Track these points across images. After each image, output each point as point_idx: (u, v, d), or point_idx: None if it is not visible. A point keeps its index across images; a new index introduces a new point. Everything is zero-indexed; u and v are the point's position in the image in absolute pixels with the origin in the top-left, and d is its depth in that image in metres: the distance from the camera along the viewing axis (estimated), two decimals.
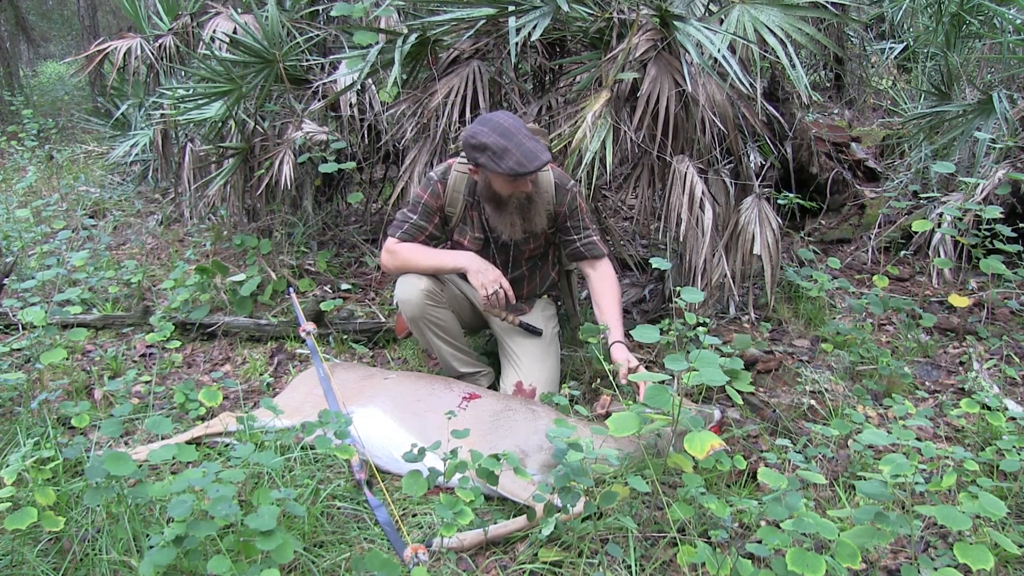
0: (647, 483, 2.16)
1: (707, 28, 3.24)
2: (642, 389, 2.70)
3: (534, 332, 3.17)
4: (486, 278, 2.97)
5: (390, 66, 3.59)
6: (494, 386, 3.22)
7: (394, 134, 4.11)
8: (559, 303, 3.52)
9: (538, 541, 2.27)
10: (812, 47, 3.53)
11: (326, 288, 4.40)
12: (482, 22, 3.61)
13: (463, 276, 3.16)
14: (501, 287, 2.97)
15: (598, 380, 3.12)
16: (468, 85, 3.63)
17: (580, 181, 3.23)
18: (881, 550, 2.28)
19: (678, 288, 2.34)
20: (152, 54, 5.66)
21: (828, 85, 7.21)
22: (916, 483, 2.10)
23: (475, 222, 3.10)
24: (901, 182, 4.88)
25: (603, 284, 3.12)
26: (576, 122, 3.33)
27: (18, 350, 3.59)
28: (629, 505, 2.40)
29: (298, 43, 4.30)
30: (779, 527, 1.90)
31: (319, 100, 4.30)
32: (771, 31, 3.25)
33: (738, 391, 2.32)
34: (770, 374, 3.29)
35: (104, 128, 7.00)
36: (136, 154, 6.24)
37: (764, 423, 2.94)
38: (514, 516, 2.43)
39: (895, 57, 6.73)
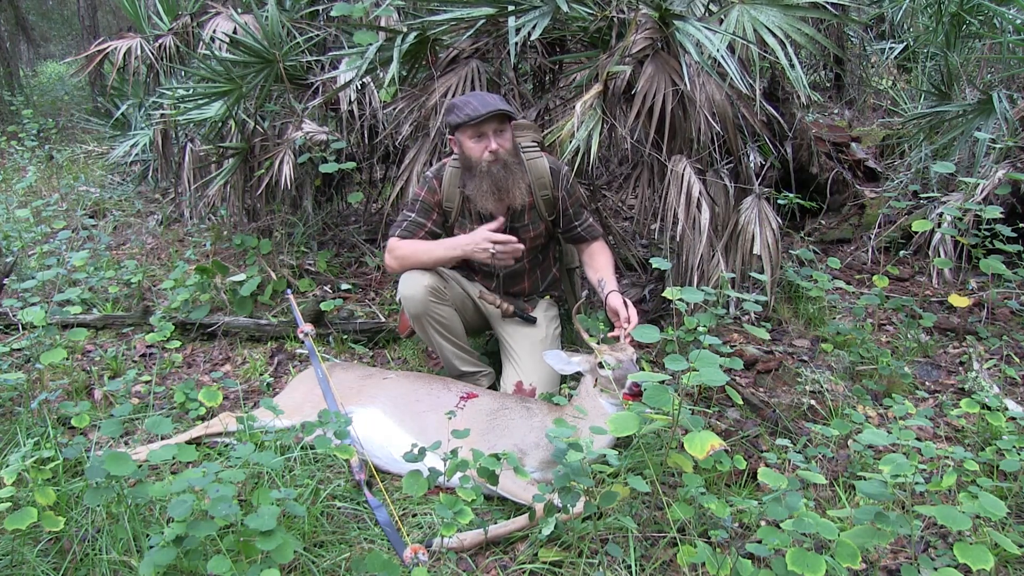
0: (647, 483, 2.16)
1: (707, 28, 3.24)
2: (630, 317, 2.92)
3: (528, 320, 3.22)
4: (480, 239, 2.97)
5: (389, 64, 3.59)
6: (494, 386, 3.22)
7: (389, 132, 4.11)
8: (562, 304, 3.53)
9: (538, 541, 2.27)
10: (812, 47, 3.53)
11: (326, 288, 4.40)
12: (482, 22, 3.61)
13: (467, 267, 3.24)
14: (494, 241, 2.96)
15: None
16: (466, 84, 3.63)
17: (573, 174, 3.23)
18: (881, 550, 2.28)
19: (677, 289, 2.34)
20: (152, 54, 5.66)
21: (828, 85, 7.21)
22: (916, 483, 2.10)
23: (472, 214, 3.12)
24: (901, 182, 4.87)
25: (598, 250, 3.27)
26: (570, 116, 3.34)
27: (18, 350, 3.59)
28: (629, 505, 2.40)
29: (298, 43, 4.30)
30: (779, 527, 1.90)
31: (319, 98, 4.29)
32: (771, 31, 3.25)
33: (739, 392, 2.32)
34: (770, 374, 3.29)
35: (104, 128, 7.00)
36: (136, 154, 6.24)
37: (764, 423, 2.94)
38: (514, 516, 2.43)
39: (895, 57, 6.73)
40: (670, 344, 2.96)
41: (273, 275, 4.30)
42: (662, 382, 2.08)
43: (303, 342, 3.34)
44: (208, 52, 4.58)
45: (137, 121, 6.42)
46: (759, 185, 3.67)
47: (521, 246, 2.99)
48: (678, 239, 3.37)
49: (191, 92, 4.45)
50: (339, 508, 2.50)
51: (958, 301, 3.15)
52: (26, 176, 6.65)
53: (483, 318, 3.36)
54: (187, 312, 4.03)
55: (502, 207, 3.06)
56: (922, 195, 4.42)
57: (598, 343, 2.77)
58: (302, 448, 2.67)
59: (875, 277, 3.38)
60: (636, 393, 2.48)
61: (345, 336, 3.78)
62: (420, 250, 3.09)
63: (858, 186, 4.93)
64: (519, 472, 2.23)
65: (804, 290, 3.79)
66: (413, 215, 3.15)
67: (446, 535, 2.17)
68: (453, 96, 3.57)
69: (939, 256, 3.87)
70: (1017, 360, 3.37)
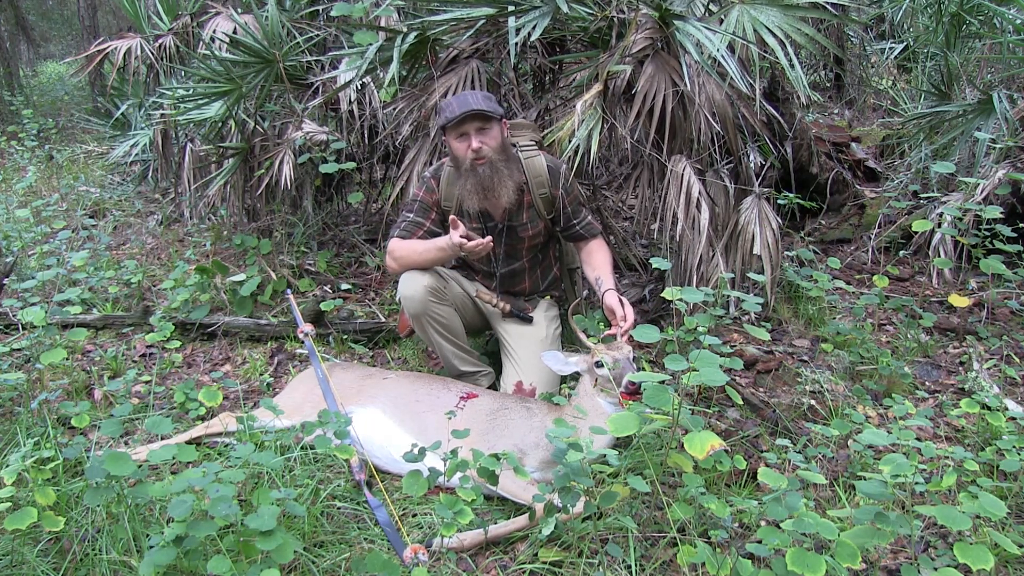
0: (647, 483, 2.16)
1: (707, 28, 3.24)
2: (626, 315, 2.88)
3: (525, 320, 3.23)
4: (450, 238, 2.89)
5: (389, 64, 3.59)
6: (494, 386, 3.23)
7: (389, 132, 4.11)
8: (562, 304, 3.53)
9: (538, 541, 2.27)
10: (812, 47, 3.53)
11: (326, 288, 4.40)
12: (482, 22, 3.61)
13: (467, 267, 3.28)
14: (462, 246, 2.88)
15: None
16: (466, 84, 3.63)
17: (572, 173, 3.22)
18: (881, 550, 2.28)
19: (677, 289, 2.34)
20: (152, 54, 5.66)
21: (828, 85, 7.21)
22: (916, 483, 2.10)
23: (470, 213, 3.12)
24: (901, 182, 4.88)
25: (596, 248, 3.25)
26: (570, 115, 3.34)
27: (18, 350, 3.59)
28: (629, 505, 2.40)
29: (298, 43, 4.30)
30: (779, 527, 1.90)
31: (319, 98, 4.30)
32: (771, 31, 3.25)
33: (739, 392, 2.32)
34: (770, 374, 3.29)
35: (104, 128, 7.00)
36: (136, 154, 6.24)
37: (764, 423, 2.94)
38: (514, 516, 2.43)
39: (895, 57, 6.73)
40: (670, 344, 2.97)
41: (273, 275, 4.30)
42: (662, 382, 2.08)
43: (303, 342, 3.34)
44: (208, 52, 4.58)
45: (137, 121, 6.42)
46: (759, 185, 3.67)
47: (489, 240, 2.88)
48: (678, 239, 3.37)
49: (191, 92, 4.45)
50: (339, 508, 2.50)
51: (958, 301, 3.15)
52: (26, 176, 6.65)
53: (483, 318, 3.36)
54: (187, 312, 4.03)
55: (492, 206, 3.07)
56: (922, 195, 4.42)
57: (596, 343, 2.77)
58: (302, 448, 2.67)
59: (875, 277, 3.38)
60: (634, 392, 2.48)
61: (345, 336, 3.78)
62: (416, 250, 3.10)
63: (858, 186, 4.93)
64: (519, 472, 2.23)
65: (804, 290, 3.79)
66: (412, 215, 3.16)
67: (446, 535, 2.17)
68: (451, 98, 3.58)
69: (939, 256, 3.87)
70: (1017, 360, 3.37)
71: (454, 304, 3.17)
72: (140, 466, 2.15)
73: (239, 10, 5.03)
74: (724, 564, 1.96)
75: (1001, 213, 3.19)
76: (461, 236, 2.86)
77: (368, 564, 1.97)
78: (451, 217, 2.91)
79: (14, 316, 3.71)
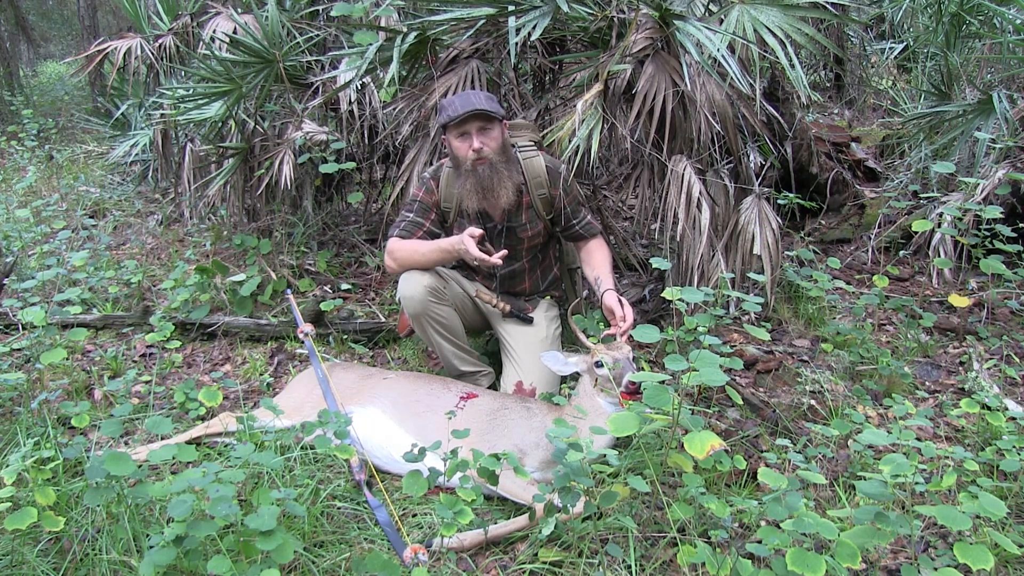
0: (647, 483, 2.16)
1: (707, 27, 3.24)
2: (626, 315, 2.87)
3: (525, 320, 3.23)
4: (462, 242, 2.90)
5: (389, 64, 3.60)
6: (494, 386, 3.23)
7: (389, 132, 4.11)
8: (562, 304, 3.53)
9: (538, 541, 2.27)
10: (812, 47, 3.53)
11: (326, 288, 4.40)
12: (482, 22, 3.61)
13: (467, 267, 3.25)
14: (473, 237, 2.90)
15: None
16: (466, 84, 3.63)
17: (572, 173, 3.22)
18: (881, 550, 2.28)
19: (677, 289, 2.34)
20: (152, 54, 5.66)
21: (828, 85, 7.21)
22: (916, 483, 2.10)
23: (469, 214, 3.12)
24: (901, 182, 4.88)
25: (595, 247, 3.26)
26: (570, 115, 3.34)
27: (18, 350, 3.59)
28: (629, 505, 2.40)
29: (298, 43, 4.30)
30: (779, 527, 1.90)
31: (319, 98, 4.30)
32: (771, 31, 3.25)
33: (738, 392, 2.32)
34: (770, 374, 3.29)
35: (104, 128, 7.00)
36: (136, 154, 6.24)
37: (764, 423, 2.94)
38: (514, 516, 2.43)
39: (895, 57, 6.73)
40: (670, 344, 2.97)
41: (273, 275, 4.30)
42: (662, 382, 2.08)
43: (303, 342, 3.34)
44: (208, 52, 4.58)
45: (137, 121, 6.42)
46: (759, 185, 3.67)
47: (501, 257, 2.89)
48: (678, 239, 3.37)
49: (191, 92, 4.45)
50: (339, 508, 2.50)
51: (958, 301, 3.15)
52: (26, 176, 6.64)
53: (483, 318, 3.36)
54: (187, 312, 4.03)
55: (491, 207, 3.07)
56: (922, 195, 4.42)
57: (596, 343, 2.77)
58: (302, 448, 2.67)
59: (875, 277, 3.38)
60: (634, 392, 2.48)
61: (345, 336, 3.78)
62: (418, 250, 3.10)
63: (858, 186, 4.93)
64: (519, 472, 2.23)
65: (804, 290, 3.79)
66: (411, 215, 3.16)
67: (446, 535, 2.17)
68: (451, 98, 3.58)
69: (939, 256, 3.87)
70: (1017, 360, 3.37)
71: (454, 304, 3.17)
72: (140, 466, 2.15)
73: (239, 10, 5.02)
74: (724, 564, 1.96)
75: (1001, 213, 3.19)
76: (478, 247, 2.85)
77: (368, 564, 1.97)
78: (480, 232, 2.91)
79: (14, 316, 3.71)
